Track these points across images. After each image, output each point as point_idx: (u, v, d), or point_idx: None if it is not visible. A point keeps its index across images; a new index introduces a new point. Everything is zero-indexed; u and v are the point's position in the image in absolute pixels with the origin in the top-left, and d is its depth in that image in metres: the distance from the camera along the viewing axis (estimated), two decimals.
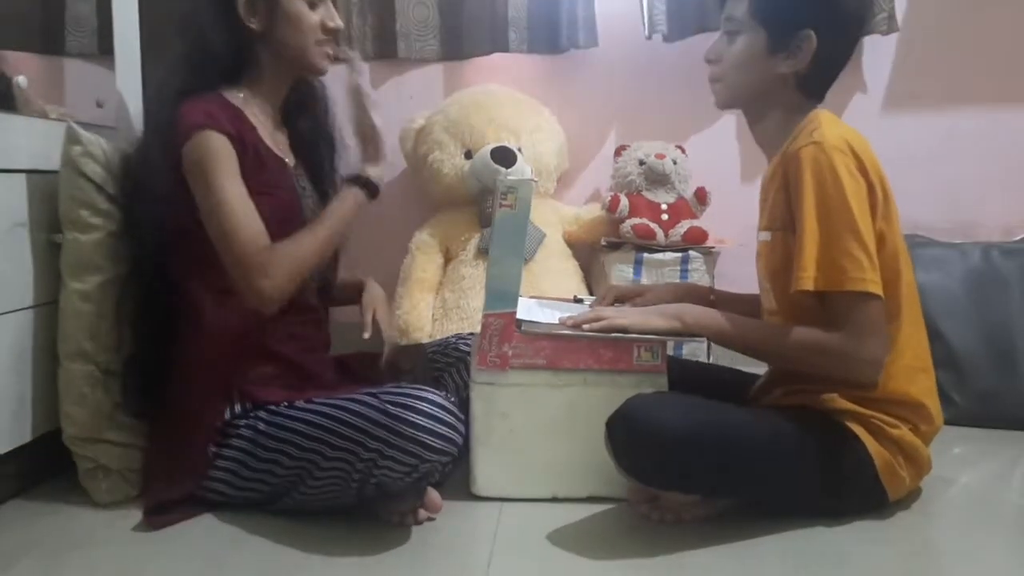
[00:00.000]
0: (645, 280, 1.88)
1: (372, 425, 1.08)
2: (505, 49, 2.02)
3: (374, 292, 1.43)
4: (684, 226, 1.91)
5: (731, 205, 1.96)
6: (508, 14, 2.00)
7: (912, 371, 1.18)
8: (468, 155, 1.93)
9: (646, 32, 1.99)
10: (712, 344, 1.39)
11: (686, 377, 1.28)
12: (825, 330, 1.11)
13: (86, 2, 1.53)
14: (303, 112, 1.38)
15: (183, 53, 1.24)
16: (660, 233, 1.90)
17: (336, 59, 1.31)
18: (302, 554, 1.08)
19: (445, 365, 1.41)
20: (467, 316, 1.84)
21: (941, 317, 1.66)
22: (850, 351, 1.10)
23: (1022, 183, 1.99)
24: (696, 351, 1.85)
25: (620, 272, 1.91)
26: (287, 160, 1.32)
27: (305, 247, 1.20)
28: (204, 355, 1.23)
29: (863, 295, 1.09)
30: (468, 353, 1.38)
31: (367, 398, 1.11)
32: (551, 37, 2.01)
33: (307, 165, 1.37)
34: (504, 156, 1.86)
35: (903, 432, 1.16)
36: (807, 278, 1.09)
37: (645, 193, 1.97)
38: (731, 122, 2.05)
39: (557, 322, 1.24)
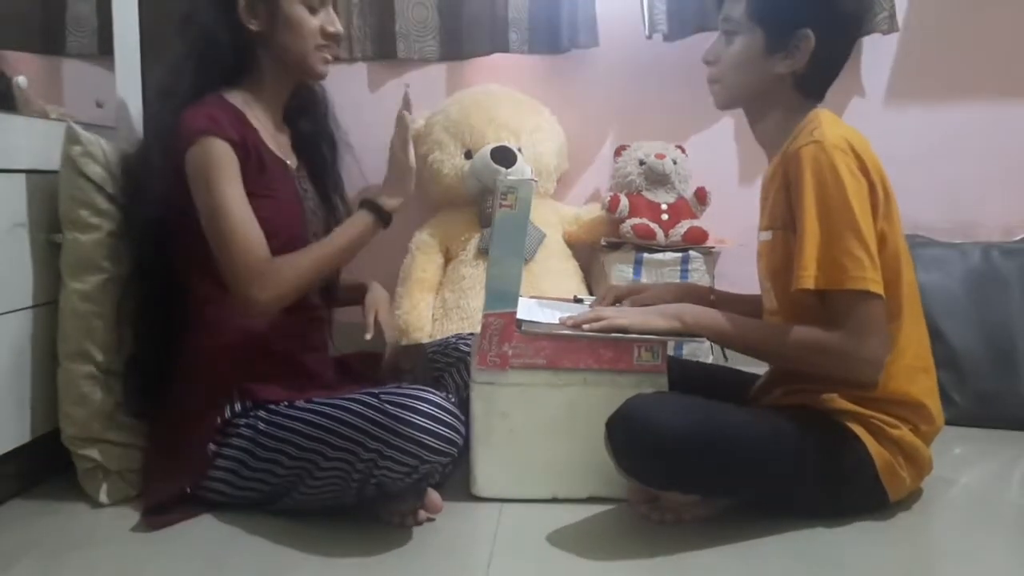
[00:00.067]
0: (645, 280, 1.88)
1: (372, 425, 1.08)
2: (505, 49, 2.02)
3: (377, 294, 1.43)
4: (684, 226, 1.91)
5: (731, 205, 1.96)
6: (508, 15, 2.01)
7: (913, 371, 1.17)
8: (468, 155, 1.93)
9: (646, 31, 1.99)
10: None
11: (686, 377, 1.28)
12: (826, 329, 1.11)
13: (86, 2, 1.53)
14: (305, 114, 1.38)
15: (184, 54, 1.24)
16: (660, 233, 1.90)
17: (336, 60, 1.31)
18: (302, 554, 1.08)
19: (445, 365, 1.41)
20: (467, 316, 1.84)
21: (941, 317, 1.66)
22: (850, 350, 1.10)
23: (1022, 183, 1.99)
24: (696, 351, 1.85)
25: (620, 272, 1.91)
26: (289, 162, 1.32)
27: (304, 264, 1.20)
28: (204, 354, 1.23)
29: (864, 294, 1.08)
30: (468, 353, 1.38)
31: (367, 398, 1.11)
32: (552, 37, 2.01)
33: (309, 167, 1.37)
34: (504, 156, 1.86)
35: (903, 432, 1.15)
36: (808, 277, 1.09)
37: (645, 193, 1.97)
38: (731, 122, 2.05)
39: (557, 322, 1.24)
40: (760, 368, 1.31)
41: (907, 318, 1.17)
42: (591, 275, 2.02)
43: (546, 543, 1.11)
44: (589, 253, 2.04)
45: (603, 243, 1.96)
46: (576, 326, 1.22)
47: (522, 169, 1.87)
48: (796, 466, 1.13)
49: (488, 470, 1.25)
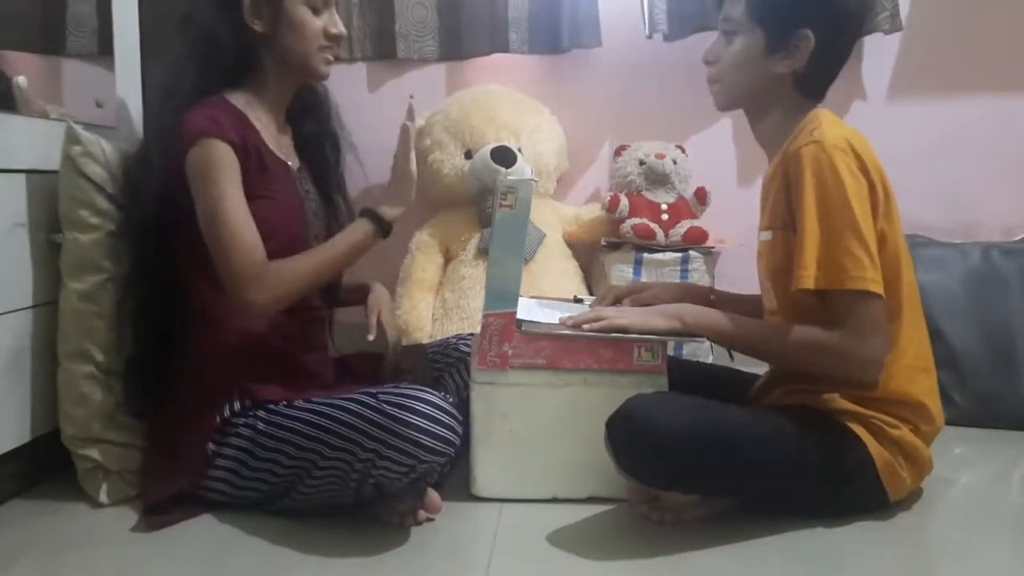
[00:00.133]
0: (645, 280, 1.88)
1: (369, 425, 1.08)
2: (505, 49, 2.02)
3: (379, 294, 1.43)
4: (684, 226, 1.91)
5: (731, 205, 1.96)
6: (508, 15, 2.00)
7: (913, 371, 1.17)
8: (468, 155, 1.93)
9: (646, 31, 1.99)
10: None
11: (686, 377, 1.28)
12: (826, 329, 1.11)
13: (86, 2, 1.53)
14: (307, 115, 1.38)
15: (187, 54, 1.24)
16: (660, 233, 1.90)
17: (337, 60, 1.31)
18: (301, 555, 1.08)
19: (445, 366, 1.41)
20: (467, 316, 1.84)
21: (941, 317, 1.66)
22: (850, 350, 1.10)
23: (1022, 183, 1.99)
24: (696, 351, 1.85)
25: (620, 272, 1.91)
26: (290, 163, 1.32)
27: (301, 269, 1.20)
28: (204, 354, 1.23)
29: (864, 294, 1.08)
30: (468, 354, 1.38)
31: (365, 398, 1.11)
32: (552, 37, 2.01)
33: (311, 168, 1.37)
34: (504, 156, 1.86)
35: (904, 432, 1.15)
36: (808, 277, 1.09)
37: (645, 193, 1.97)
38: (731, 122, 2.05)
39: (557, 322, 1.24)
40: (760, 368, 1.31)
41: (907, 318, 1.17)
42: (591, 275, 2.02)
43: (546, 543, 1.11)
44: (589, 253, 2.04)
45: (603, 243, 1.96)
46: (576, 326, 1.22)
47: (522, 169, 1.87)
48: (796, 466, 1.13)
49: (488, 470, 1.25)
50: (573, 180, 2.14)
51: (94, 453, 1.23)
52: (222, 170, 1.17)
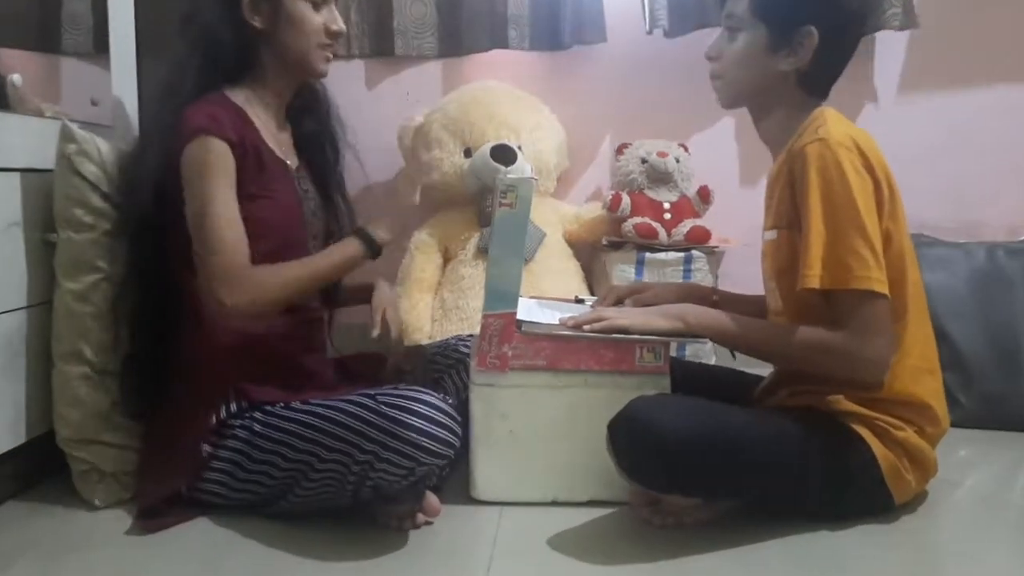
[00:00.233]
0: (647, 280, 1.87)
1: (368, 427, 1.07)
2: (505, 46, 2.01)
3: (384, 293, 1.39)
4: (687, 225, 1.89)
5: (734, 204, 1.95)
6: (508, 11, 1.99)
7: (918, 372, 1.16)
8: (468, 153, 1.92)
9: (647, 27, 1.97)
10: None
11: (689, 378, 1.27)
12: (830, 329, 1.09)
13: (82, 0, 1.52)
14: (307, 114, 1.36)
15: (186, 52, 1.23)
16: (662, 232, 1.88)
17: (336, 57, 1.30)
18: (297, 558, 1.07)
19: (445, 367, 1.40)
20: (467, 316, 1.83)
21: (946, 318, 1.65)
22: (854, 350, 1.08)
23: None
24: (699, 352, 1.84)
25: (622, 272, 1.89)
26: (289, 162, 1.31)
27: (282, 278, 1.18)
28: (201, 354, 1.22)
29: (868, 294, 1.07)
30: (468, 355, 1.36)
31: (363, 399, 1.10)
32: (553, 34, 2.00)
33: (310, 167, 1.36)
34: (504, 154, 1.84)
35: (908, 434, 1.14)
36: (812, 276, 1.08)
37: (647, 192, 1.96)
38: (734, 120, 2.04)
39: (557, 323, 1.23)
40: (764, 369, 1.30)
41: (912, 318, 1.16)
42: (592, 275, 2.01)
43: (546, 547, 1.10)
44: (590, 253, 2.03)
45: (604, 242, 1.95)
46: (577, 327, 1.20)
47: (522, 167, 1.86)
48: (800, 468, 1.12)
49: (488, 473, 1.24)
50: (574, 179, 2.12)
51: (89, 455, 1.22)
52: (216, 168, 1.15)
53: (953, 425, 1.24)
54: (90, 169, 1.22)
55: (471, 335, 1.45)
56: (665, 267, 1.88)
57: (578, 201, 2.11)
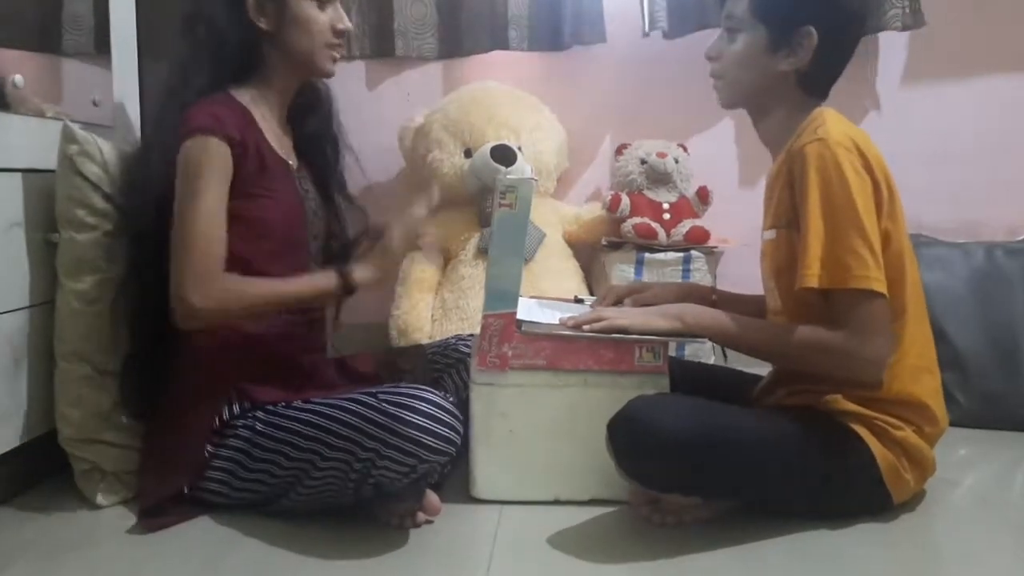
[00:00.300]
0: (646, 280, 1.87)
1: (369, 425, 1.07)
2: (505, 47, 2.01)
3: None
4: (686, 226, 1.90)
5: (733, 204, 1.95)
6: (508, 12, 1.99)
7: (917, 371, 1.17)
8: (468, 154, 1.92)
9: (645, 28, 1.98)
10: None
11: (688, 378, 1.28)
12: (829, 329, 1.10)
13: (83, 0, 1.52)
14: (309, 114, 1.36)
15: (191, 52, 1.23)
16: (662, 233, 1.89)
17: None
18: (299, 556, 1.07)
19: (445, 366, 1.41)
20: (467, 316, 1.83)
21: (945, 317, 1.65)
22: (853, 350, 1.09)
23: None
24: (698, 352, 1.84)
25: (621, 272, 1.90)
26: (290, 162, 1.31)
27: (252, 292, 1.16)
28: (202, 354, 1.22)
29: (867, 293, 1.08)
30: (468, 354, 1.37)
31: (364, 398, 1.10)
32: (553, 34, 2.00)
33: (311, 168, 1.36)
34: (504, 155, 1.85)
35: (907, 434, 1.14)
36: (811, 275, 1.08)
37: (646, 192, 1.96)
38: (733, 121, 2.04)
39: (557, 322, 1.23)
40: (762, 369, 1.30)
41: (911, 317, 1.16)
42: (592, 275, 2.01)
43: (547, 546, 1.11)
44: (590, 253, 2.03)
45: (604, 243, 1.95)
46: (576, 326, 1.21)
47: (522, 168, 1.86)
48: (799, 468, 1.12)
49: (488, 472, 1.24)
50: (573, 179, 2.13)
51: (91, 454, 1.22)
52: (210, 167, 1.15)
53: (952, 424, 1.25)
54: (92, 170, 1.23)
55: (471, 335, 1.45)
56: (664, 267, 1.89)
57: (578, 201, 2.11)
